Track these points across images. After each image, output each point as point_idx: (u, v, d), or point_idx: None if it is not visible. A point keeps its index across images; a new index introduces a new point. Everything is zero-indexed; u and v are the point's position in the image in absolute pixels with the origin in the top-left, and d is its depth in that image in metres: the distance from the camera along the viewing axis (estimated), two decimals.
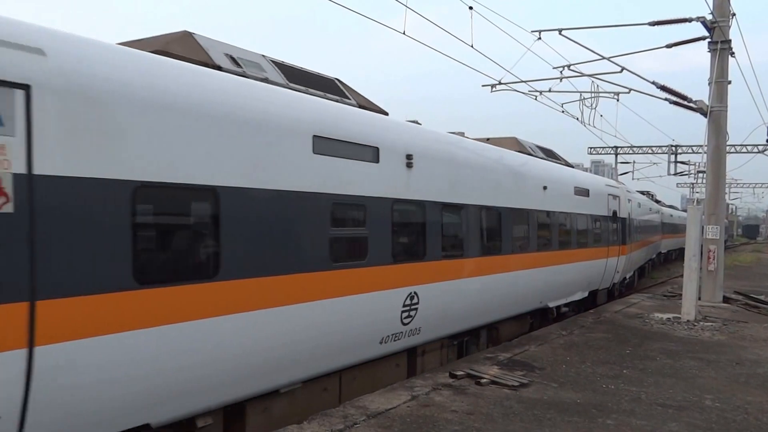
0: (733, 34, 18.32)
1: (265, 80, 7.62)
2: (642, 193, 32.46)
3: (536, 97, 20.24)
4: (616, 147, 44.29)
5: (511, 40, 17.44)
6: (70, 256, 5.05)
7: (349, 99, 9.07)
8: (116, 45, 6.19)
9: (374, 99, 9.99)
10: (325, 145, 7.70)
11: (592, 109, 20.71)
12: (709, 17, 17.73)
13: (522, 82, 19.28)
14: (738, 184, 70.48)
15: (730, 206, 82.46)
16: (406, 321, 9.29)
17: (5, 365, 4.66)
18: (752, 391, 9.10)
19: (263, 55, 8.18)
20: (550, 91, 20.09)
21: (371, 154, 8.56)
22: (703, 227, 17.84)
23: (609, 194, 19.47)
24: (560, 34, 17.05)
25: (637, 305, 18.05)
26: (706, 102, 18.66)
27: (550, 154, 16.76)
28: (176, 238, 6.27)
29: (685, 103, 19.04)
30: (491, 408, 7.83)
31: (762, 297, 19.98)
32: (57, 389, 5.01)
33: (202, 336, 6.17)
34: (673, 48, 18.47)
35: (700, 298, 17.13)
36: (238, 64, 7.46)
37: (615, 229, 19.67)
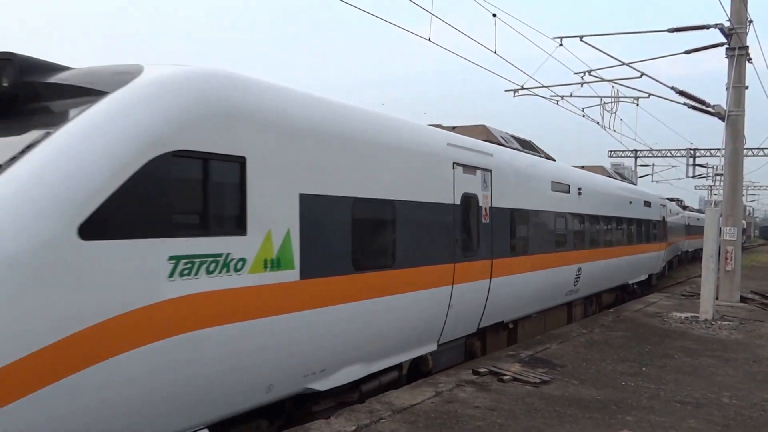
0: (750, 40, 18.41)
1: (516, 149, 12.85)
2: (670, 200, 35.16)
3: (558, 101, 20.45)
4: (636, 150, 43.95)
5: (534, 47, 17.71)
6: (500, 238, 11.01)
7: (540, 153, 14.52)
8: (495, 145, 11.76)
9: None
10: (554, 186, 13.98)
11: (612, 113, 20.89)
12: (727, 24, 17.83)
13: (544, 87, 19.51)
14: (755, 186, 69.81)
15: (748, 208, 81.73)
16: (575, 284, 15.36)
17: (485, 286, 10.52)
18: None
19: (507, 132, 13.40)
20: (571, 96, 20.28)
21: (566, 188, 14.77)
22: (720, 228, 18.00)
23: (660, 204, 25.85)
24: (581, 40, 17.16)
25: (656, 304, 18.20)
26: (724, 106, 18.79)
27: (623, 177, 23.29)
28: (525, 234, 12.32)
29: (703, 107, 19.14)
30: (513, 404, 7.97)
31: None
32: (493, 296, 10.78)
33: (528, 282, 12.24)
34: (692, 54, 18.61)
35: (717, 298, 17.27)
36: (506, 141, 12.66)
37: (663, 229, 26.24)
